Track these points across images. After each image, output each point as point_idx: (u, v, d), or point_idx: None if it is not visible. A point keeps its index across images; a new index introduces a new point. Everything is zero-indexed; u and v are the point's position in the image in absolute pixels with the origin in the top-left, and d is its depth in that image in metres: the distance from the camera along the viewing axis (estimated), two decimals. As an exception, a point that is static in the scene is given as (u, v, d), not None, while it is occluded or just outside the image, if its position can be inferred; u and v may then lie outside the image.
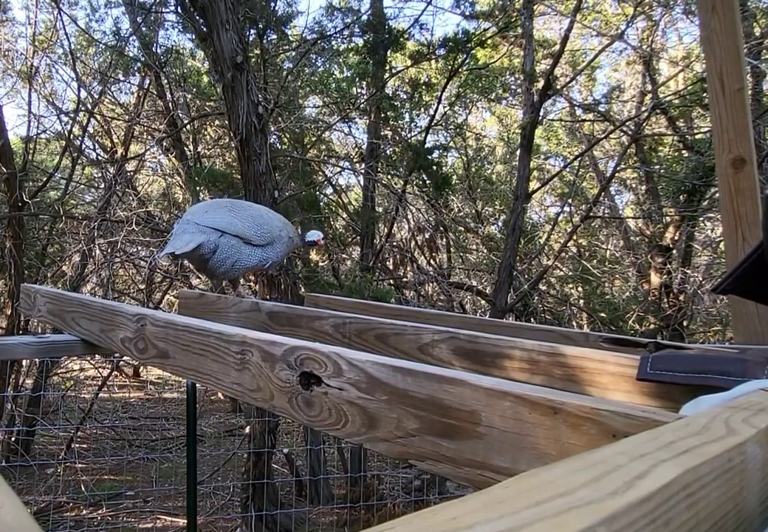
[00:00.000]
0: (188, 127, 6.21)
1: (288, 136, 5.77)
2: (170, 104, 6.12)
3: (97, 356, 5.76)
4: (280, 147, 5.85)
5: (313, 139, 6.45)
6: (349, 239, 6.36)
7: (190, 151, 6.37)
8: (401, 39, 5.14)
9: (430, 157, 5.10)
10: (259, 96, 3.39)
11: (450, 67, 5.38)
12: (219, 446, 5.76)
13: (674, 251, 6.31)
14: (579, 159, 7.71)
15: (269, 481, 3.44)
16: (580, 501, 0.22)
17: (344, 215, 6.82)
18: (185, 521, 2.70)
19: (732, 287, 0.70)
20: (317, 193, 6.08)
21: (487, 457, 0.47)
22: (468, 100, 8.47)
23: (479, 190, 9.12)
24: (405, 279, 7.85)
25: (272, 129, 5.40)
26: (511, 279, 5.08)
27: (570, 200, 8.43)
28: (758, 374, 0.60)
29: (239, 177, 3.61)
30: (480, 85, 8.07)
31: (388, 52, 5.33)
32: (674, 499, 0.26)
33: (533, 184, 11.10)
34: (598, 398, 0.46)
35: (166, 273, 6.95)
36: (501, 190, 8.72)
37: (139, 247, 6.62)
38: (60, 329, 1.49)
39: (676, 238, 6.01)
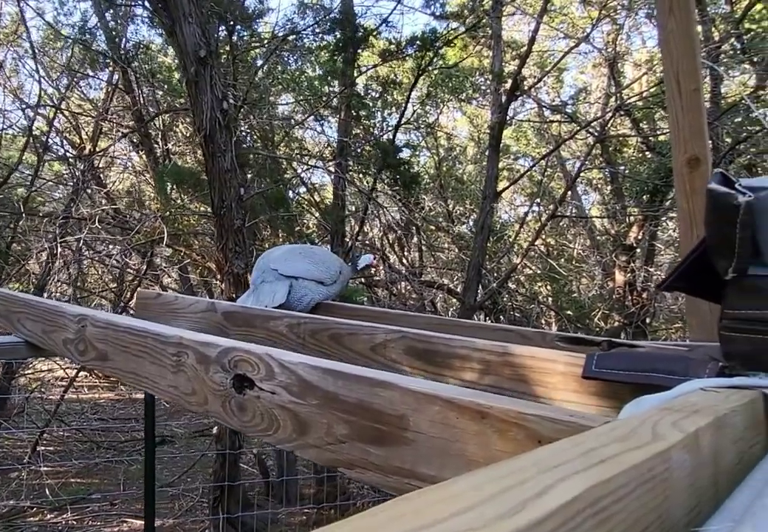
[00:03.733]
0: (158, 123, 6.09)
1: (257, 133, 5.70)
2: (138, 100, 5.98)
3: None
4: (251, 144, 5.78)
5: (284, 136, 6.38)
6: (321, 238, 6.31)
7: (159, 147, 6.24)
8: (370, 37, 5.11)
9: (398, 156, 5.08)
10: (225, 92, 3.32)
11: (419, 65, 5.36)
12: (190, 447, 5.66)
13: (638, 250, 6.41)
14: (546, 159, 7.78)
15: (238, 482, 3.38)
16: (465, 526, 0.19)
17: (316, 214, 6.76)
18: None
19: (677, 283, 0.69)
20: (288, 190, 6.01)
21: (415, 464, 0.44)
22: (439, 100, 8.49)
23: (450, 189, 9.15)
24: (377, 278, 7.84)
25: (242, 126, 5.32)
26: (480, 277, 5.09)
27: (538, 200, 8.50)
28: (700, 373, 0.58)
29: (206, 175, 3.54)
30: (450, 85, 8.09)
31: (358, 51, 5.29)
32: (579, 517, 0.23)
33: (503, 184, 11.21)
34: (528, 402, 0.44)
35: (136, 272, 6.80)
36: (471, 189, 8.74)
37: (110, 246, 6.47)
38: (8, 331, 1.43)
39: (639, 237, 6.10)
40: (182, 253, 4.51)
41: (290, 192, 6.48)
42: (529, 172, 8.96)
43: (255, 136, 6.08)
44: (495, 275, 6.89)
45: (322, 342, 1.14)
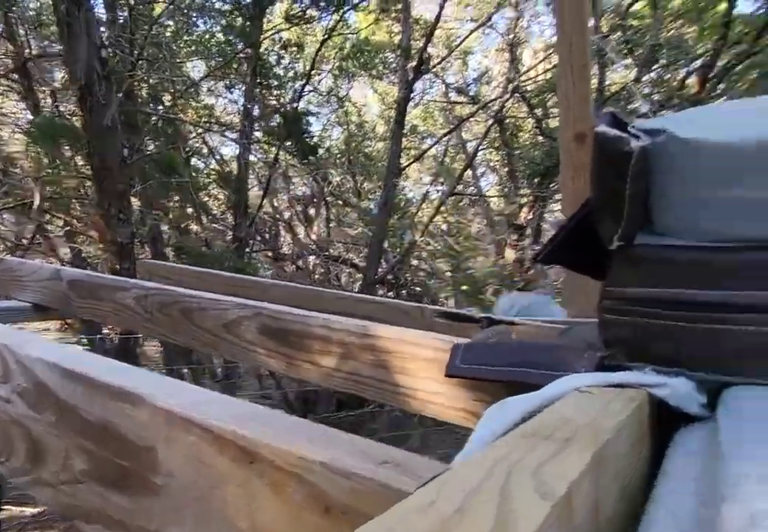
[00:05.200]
0: (36, 73, 5.38)
1: (155, 93, 5.19)
2: (21, 47, 5.24)
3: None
4: (150, 104, 5.25)
5: (187, 100, 5.87)
6: (222, 208, 5.94)
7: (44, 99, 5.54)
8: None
9: (302, 124, 4.81)
10: (108, 39, 2.92)
11: (325, 28, 5.08)
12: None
13: (528, 229, 6.57)
14: (450, 140, 7.77)
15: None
16: None
17: (220, 183, 6.35)
18: None
19: (555, 255, 0.56)
20: (190, 157, 5.57)
21: (163, 525, 0.28)
22: (351, 74, 8.23)
23: (359, 165, 8.96)
24: (283, 251, 7.54)
25: (138, 84, 4.81)
26: (381, 253, 4.98)
27: (441, 179, 8.52)
28: (576, 366, 0.45)
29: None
30: (362, 59, 7.85)
31: (265, 12, 4.92)
32: None
33: (409, 161, 11.13)
34: (326, 435, 0.27)
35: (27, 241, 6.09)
36: (379, 166, 8.60)
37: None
38: None
39: (529, 217, 6.24)
40: (63, 221, 4.03)
41: (194, 159, 6.02)
42: (433, 152, 8.95)
43: (152, 96, 5.55)
44: (398, 250, 6.84)
45: (172, 317, 0.94)
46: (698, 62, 5.49)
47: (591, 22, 6.72)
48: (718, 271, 0.41)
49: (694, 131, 0.41)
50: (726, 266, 0.41)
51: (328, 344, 0.71)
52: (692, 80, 5.17)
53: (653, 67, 6.31)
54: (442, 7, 5.63)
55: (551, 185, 6.26)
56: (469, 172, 7.94)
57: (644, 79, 5.85)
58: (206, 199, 6.43)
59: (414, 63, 5.47)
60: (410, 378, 0.64)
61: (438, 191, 9.04)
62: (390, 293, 6.47)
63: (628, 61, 6.71)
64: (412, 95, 5.66)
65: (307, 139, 4.65)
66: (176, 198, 4.51)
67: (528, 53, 9.89)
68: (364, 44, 7.80)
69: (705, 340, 0.41)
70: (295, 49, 5.22)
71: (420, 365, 0.63)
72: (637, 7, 6.89)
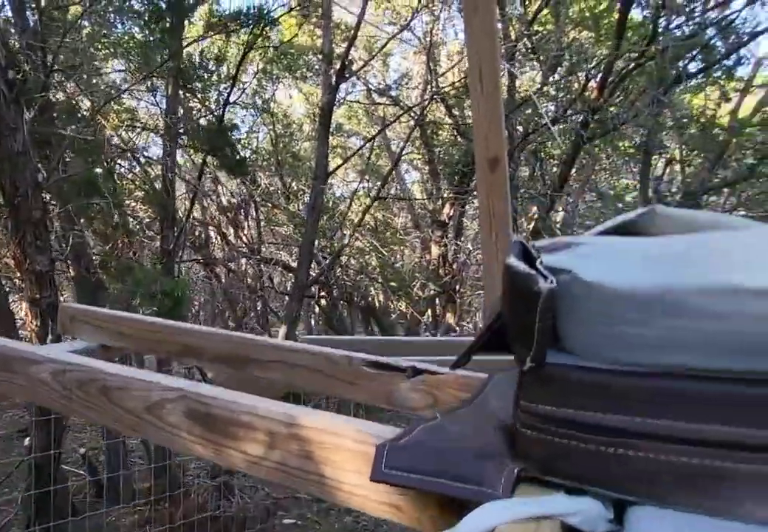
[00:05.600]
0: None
1: (70, 105, 4.85)
2: None
3: None
4: (66, 117, 4.88)
5: (102, 107, 5.51)
6: (147, 221, 5.66)
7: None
8: (194, 6, 4.54)
9: (227, 137, 4.64)
10: (15, 56, 2.69)
11: (246, 42, 4.91)
12: (11, 451, 4.82)
13: (450, 225, 6.70)
14: (374, 140, 7.76)
15: (57, 487, 2.91)
16: None
17: (142, 196, 6.03)
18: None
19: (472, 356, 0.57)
20: (111, 170, 5.24)
21: None
22: (275, 77, 8.05)
23: (287, 166, 8.79)
24: (214, 257, 7.31)
25: (53, 96, 4.46)
26: (312, 255, 4.92)
27: (367, 177, 8.52)
28: (495, 484, 0.45)
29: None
30: (285, 62, 7.69)
31: (184, 22, 4.68)
32: None
33: (337, 161, 11.06)
34: None
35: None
36: (307, 166, 8.48)
37: None
38: None
39: (451, 214, 6.37)
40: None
41: (115, 172, 5.67)
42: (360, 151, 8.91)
43: (69, 107, 5.17)
44: (328, 250, 6.79)
45: (91, 396, 0.88)
46: (597, 68, 5.75)
47: (500, 31, 6.88)
48: (617, 395, 0.42)
49: (597, 273, 0.42)
50: (624, 390, 0.42)
51: (254, 432, 0.69)
52: (592, 85, 5.41)
53: (559, 71, 6.56)
54: (362, 15, 5.58)
55: (471, 182, 6.40)
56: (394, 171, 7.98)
57: (550, 81, 6.07)
58: (133, 204, 6.10)
59: (337, 67, 5.41)
60: (334, 470, 0.63)
61: (364, 188, 9.03)
62: (323, 292, 6.45)
63: (536, 66, 6.94)
64: (336, 97, 5.59)
65: (234, 154, 4.48)
66: (99, 214, 4.25)
67: (444, 55, 10.03)
68: (287, 47, 7.63)
69: (604, 462, 0.42)
70: (216, 53, 5.02)
71: (343, 456, 0.62)
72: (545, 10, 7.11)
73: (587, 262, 0.43)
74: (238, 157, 4.59)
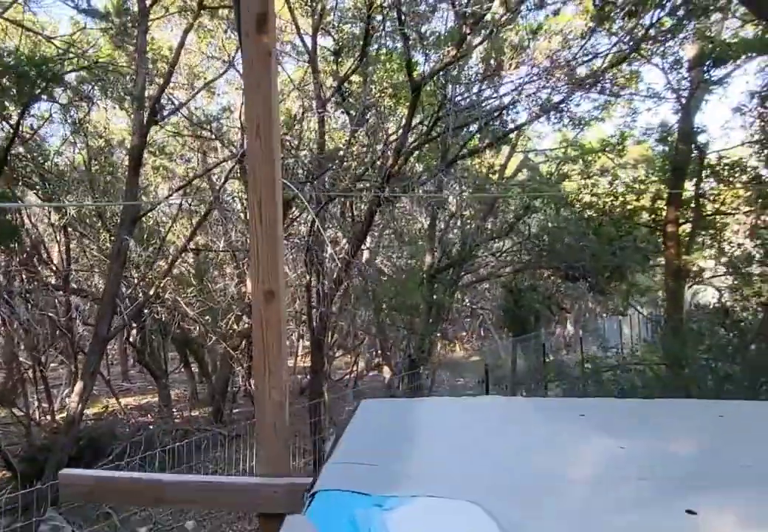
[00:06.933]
0: None
1: None
2: None
3: None
4: None
5: None
6: None
7: None
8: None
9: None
10: None
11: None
12: None
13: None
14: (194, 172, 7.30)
15: None
16: None
17: None
18: None
19: None
20: None
21: None
22: (90, 96, 7.11)
23: (101, 188, 7.79)
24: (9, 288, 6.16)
25: None
26: (114, 305, 4.41)
27: (189, 201, 7.98)
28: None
29: None
30: (100, 84, 6.88)
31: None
32: None
33: (158, 181, 10.15)
34: None
35: None
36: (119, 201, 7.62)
37: None
38: None
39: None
40: None
41: None
42: (183, 173, 8.29)
43: None
44: (145, 281, 6.19)
45: None
46: (396, 133, 6.15)
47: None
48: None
49: None
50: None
51: None
52: (389, 153, 5.77)
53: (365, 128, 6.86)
54: (180, 46, 5.18)
55: (284, 222, 6.37)
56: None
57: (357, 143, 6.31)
58: None
59: (147, 112, 4.95)
60: None
61: (181, 214, 8.40)
62: (138, 336, 5.81)
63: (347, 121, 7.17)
64: (146, 141, 5.11)
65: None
66: None
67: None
68: (102, 71, 6.83)
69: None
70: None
71: None
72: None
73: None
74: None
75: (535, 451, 1.09)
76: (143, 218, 6.52)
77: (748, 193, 8.33)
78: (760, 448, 1.06)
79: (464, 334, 16.13)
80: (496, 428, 1.27)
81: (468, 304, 12.44)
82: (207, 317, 5.98)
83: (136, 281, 5.68)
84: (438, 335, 8.84)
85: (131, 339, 5.95)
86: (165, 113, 5.70)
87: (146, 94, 5.49)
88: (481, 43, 5.91)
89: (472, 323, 15.64)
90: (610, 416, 1.31)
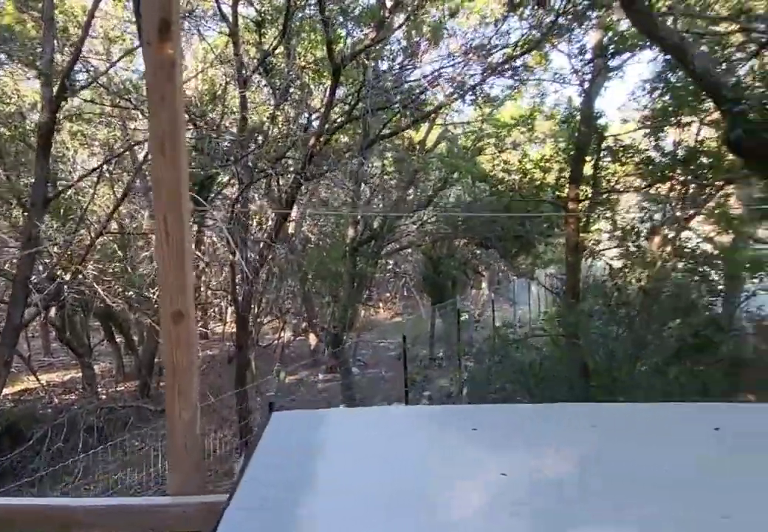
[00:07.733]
0: None
1: None
2: None
3: None
4: None
5: None
6: None
7: None
8: None
9: None
10: None
11: None
12: None
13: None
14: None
15: None
16: None
17: None
18: None
19: None
20: None
21: None
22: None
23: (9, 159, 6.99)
24: None
25: None
26: (28, 291, 4.10)
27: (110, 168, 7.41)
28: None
29: None
30: (7, 48, 6.09)
31: None
32: None
33: (76, 146, 9.29)
34: None
35: None
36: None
37: None
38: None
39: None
40: None
41: None
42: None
43: None
44: (65, 257, 5.75)
45: None
46: (318, 111, 5.97)
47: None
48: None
49: None
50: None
51: None
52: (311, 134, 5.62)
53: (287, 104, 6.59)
54: (92, 16, 4.66)
55: (208, 198, 6.12)
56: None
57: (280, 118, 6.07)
58: None
59: (56, 88, 4.46)
60: None
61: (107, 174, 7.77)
62: (58, 314, 5.45)
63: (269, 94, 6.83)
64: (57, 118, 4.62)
65: None
66: None
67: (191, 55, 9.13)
68: (5, 31, 6.03)
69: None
70: None
71: None
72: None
73: None
74: None
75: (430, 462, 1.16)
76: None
77: (639, 172, 8.93)
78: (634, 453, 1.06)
79: (388, 295, 16.52)
80: (399, 439, 1.36)
81: (391, 267, 12.70)
82: (131, 290, 5.71)
83: (54, 259, 5.28)
84: (361, 302, 9.03)
85: (51, 317, 5.58)
86: (79, 86, 5.14)
87: (56, 62, 4.92)
88: (400, 26, 5.77)
89: (395, 283, 16.02)
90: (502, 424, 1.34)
